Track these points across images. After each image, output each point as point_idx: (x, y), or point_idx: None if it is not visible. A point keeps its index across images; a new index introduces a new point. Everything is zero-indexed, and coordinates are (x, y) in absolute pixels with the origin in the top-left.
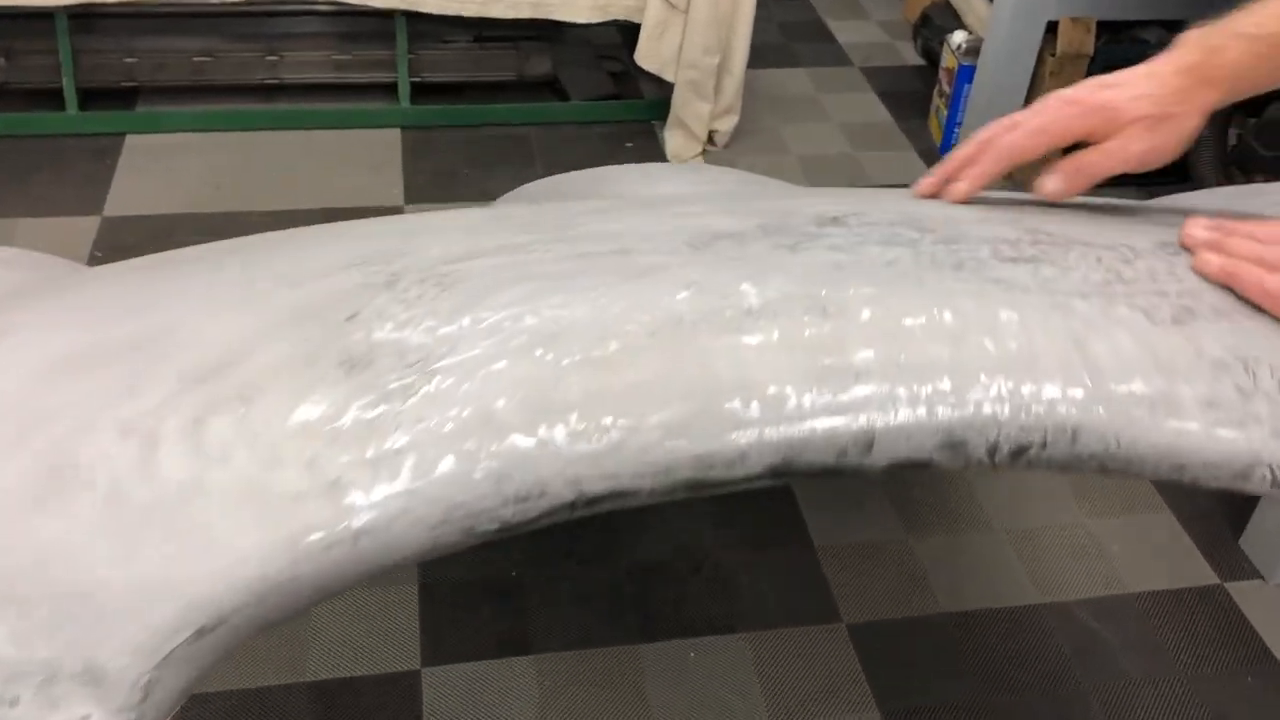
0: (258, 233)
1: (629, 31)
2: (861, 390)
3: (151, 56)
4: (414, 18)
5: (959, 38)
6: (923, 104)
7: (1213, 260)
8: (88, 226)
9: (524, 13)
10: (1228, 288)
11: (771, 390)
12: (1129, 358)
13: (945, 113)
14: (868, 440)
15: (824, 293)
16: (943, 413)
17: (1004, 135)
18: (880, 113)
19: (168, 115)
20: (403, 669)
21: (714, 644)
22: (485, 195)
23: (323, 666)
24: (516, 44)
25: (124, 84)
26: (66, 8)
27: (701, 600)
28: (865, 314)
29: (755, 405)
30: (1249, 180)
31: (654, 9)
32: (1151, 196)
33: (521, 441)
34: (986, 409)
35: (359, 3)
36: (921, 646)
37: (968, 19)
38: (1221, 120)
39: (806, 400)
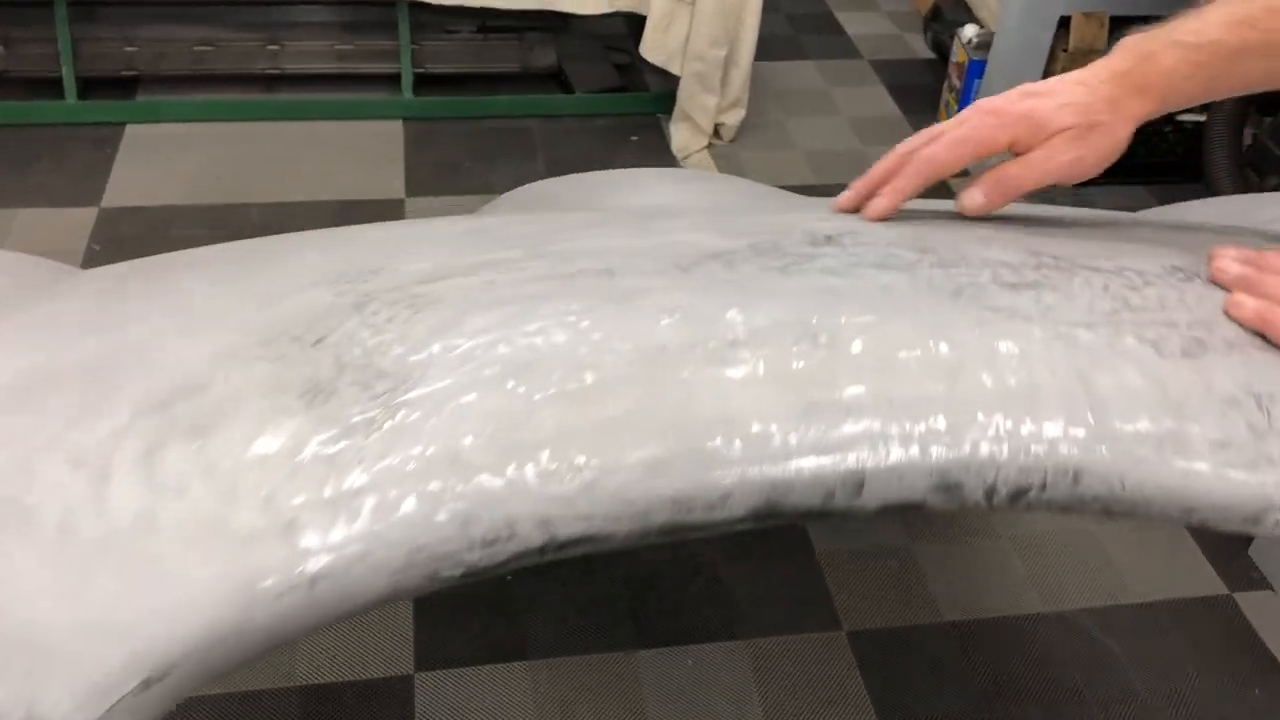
0: (257, 223)
1: (635, 22)
2: (851, 428)
3: (152, 45)
4: (417, 7)
5: (970, 32)
6: (932, 98)
7: (1246, 304)
8: (85, 218)
9: (529, 3)
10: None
11: (756, 428)
12: (1136, 394)
13: (955, 108)
14: (857, 482)
15: (814, 321)
16: (937, 453)
17: (924, 147)
18: (889, 107)
19: (168, 105)
20: (395, 674)
21: (712, 651)
22: (487, 188)
23: (314, 670)
24: (521, 35)
25: (124, 73)
26: None
27: (700, 606)
28: (857, 345)
29: (738, 444)
30: (1264, 181)
31: (660, 0)
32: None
33: (489, 482)
34: (984, 449)
35: None
36: (923, 656)
37: (979, 13)
38: (1236, 120)
39: (793, 438)
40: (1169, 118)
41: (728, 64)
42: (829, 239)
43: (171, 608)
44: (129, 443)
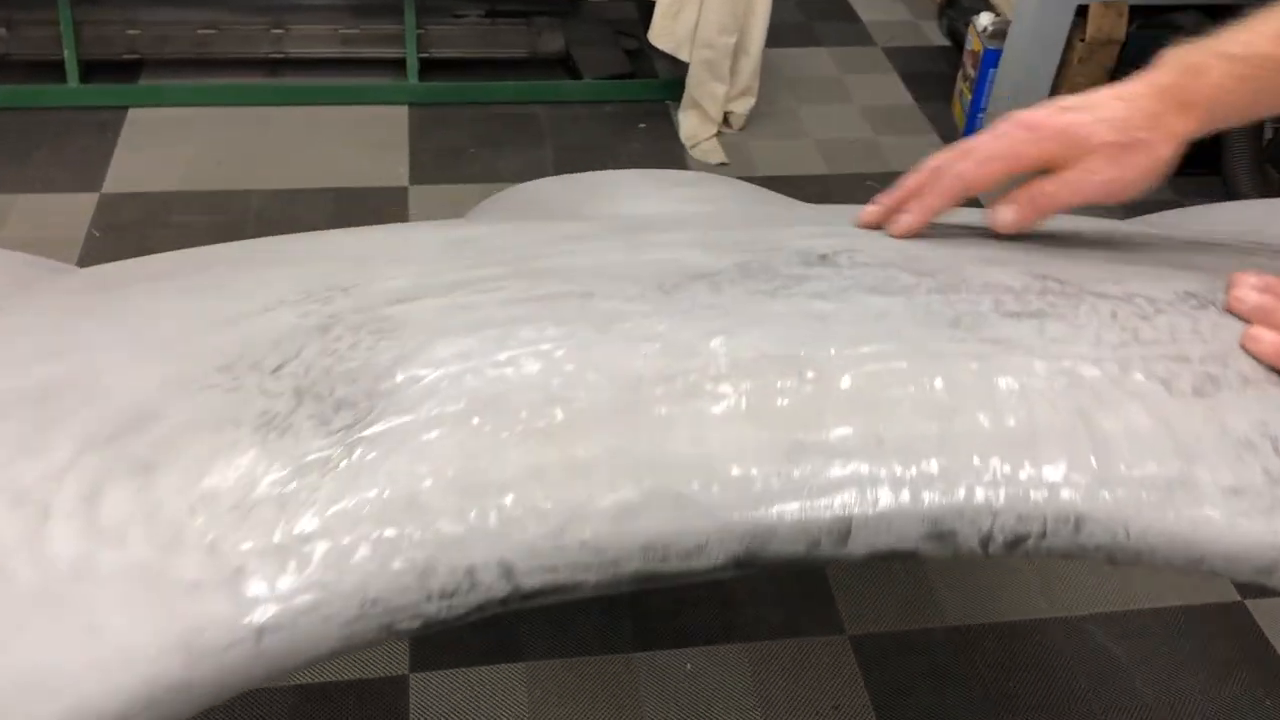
0: (258, 209)
1: (645, 7)
2: (838, 472)
3: (155, 28)
4: None
5: (985, 20)
6: (946, 86)
7: (1264, 339)
8: (86, 203)
9: None
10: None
11: (736, 471)
12: (1143, 436)
13: (969, 97)
14: (843, 529)
15: (801, 353)
16: (929, 499)
17: (955, 163)
18: (902, 95)
19: (171, 89)
20: (390, 674)
21: (711, 654)
22: (493, 175)
23: (310, 670)
24: (529, 19)
25: (126, 56)
26: None
27: (699, 609)
28: (846, 381)
29: (716, 488)
30: None
31: None
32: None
33: (449, 528)
34: (979, 495)
35: None
36: (927, 661)
37: (995, 0)
38: None
39: (775, 483)
40: None
41: (738, 52)
42: (823, 258)
43: (107, 662)
44: (70, 481)
